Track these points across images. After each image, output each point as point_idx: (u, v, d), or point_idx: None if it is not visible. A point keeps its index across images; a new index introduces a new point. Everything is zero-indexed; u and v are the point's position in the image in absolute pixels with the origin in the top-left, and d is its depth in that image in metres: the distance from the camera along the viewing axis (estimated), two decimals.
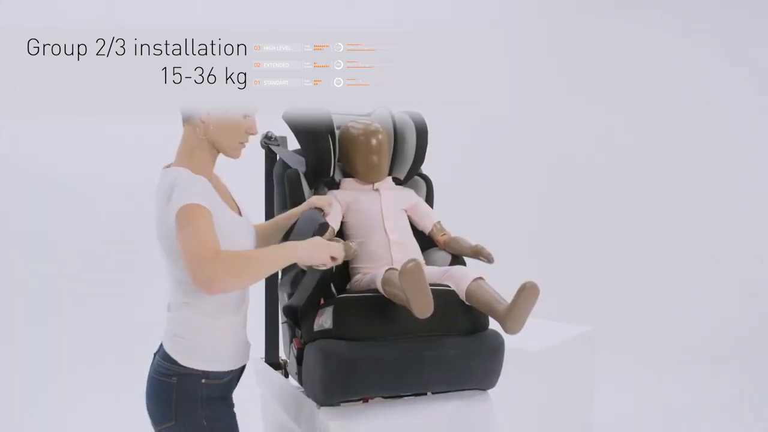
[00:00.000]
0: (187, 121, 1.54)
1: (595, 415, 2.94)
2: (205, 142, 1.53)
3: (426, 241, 2.03)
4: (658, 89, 4.91)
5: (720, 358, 4.18)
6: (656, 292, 4.71)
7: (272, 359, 2.18)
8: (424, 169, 2.17)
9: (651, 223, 4.87)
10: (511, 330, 1.66)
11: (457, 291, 1.78)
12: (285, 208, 1.95)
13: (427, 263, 1.98)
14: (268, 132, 2.09)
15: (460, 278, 1.79)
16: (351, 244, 1.72)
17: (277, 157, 2.07)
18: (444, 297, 1.75)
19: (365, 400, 1.79)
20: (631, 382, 3.90)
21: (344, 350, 1.66)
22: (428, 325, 1.71)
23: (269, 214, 2.12)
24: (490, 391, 1.87)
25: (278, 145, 2.10)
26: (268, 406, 2.16)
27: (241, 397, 1.71)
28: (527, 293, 1.63)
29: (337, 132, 2.02)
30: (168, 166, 1.55)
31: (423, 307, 1.60)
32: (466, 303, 1.78)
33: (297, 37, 1.48)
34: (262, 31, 1.49)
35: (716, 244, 4.72)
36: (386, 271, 1.73)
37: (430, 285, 1.74)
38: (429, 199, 2.14)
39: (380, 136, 1.98)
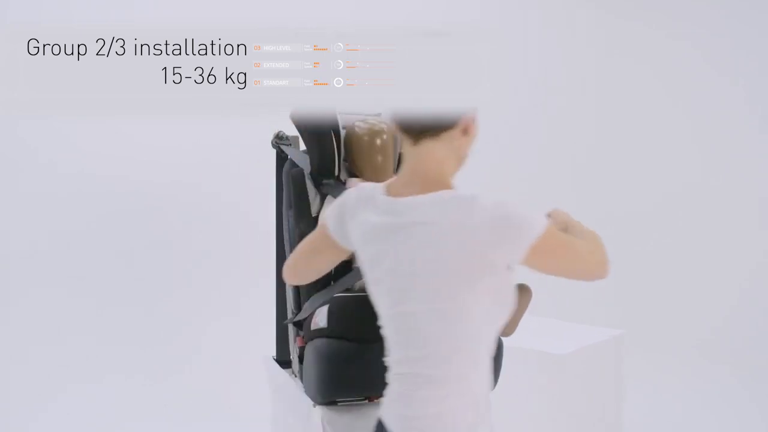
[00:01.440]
0: (445, 130, 1.20)
1: (624, 422, 2.90)
2: (454, 157, 1.24)
3: None
4: (678, 90, 4.89)
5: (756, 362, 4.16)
6: (678, 295, 4.68)
7: (283, 357, 2.19)
8: None
9: (668, 224, 4.86)
10: (504, 332, 1.65)
11: None
12: (290, 207, 1.96)
13: None
14: (279, 132, 2.09)
15: None
16: None
17: (288, 158, 2.08)
18: None
19: (371, 400, 1.79)
20: (658, 386, 3.87)
21: (337, 350, 1.67)
22: None
23: (279, 214, 2.12)
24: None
25: (289, 145, 2.11)
26: (275, 403, 2.18)
27: (248, 396, 1.69)
28: (520, 295, 1.63)
29: (343, 132, 2.01)
30: (428, 192, 1.19)
31: None
32: None
33: (297, 37, 1.47)
34: (262, 31, 1.48)
35: (741, 243, 4.70)
36: None
37: None
38: None
39: (385, 136, 1.97)
